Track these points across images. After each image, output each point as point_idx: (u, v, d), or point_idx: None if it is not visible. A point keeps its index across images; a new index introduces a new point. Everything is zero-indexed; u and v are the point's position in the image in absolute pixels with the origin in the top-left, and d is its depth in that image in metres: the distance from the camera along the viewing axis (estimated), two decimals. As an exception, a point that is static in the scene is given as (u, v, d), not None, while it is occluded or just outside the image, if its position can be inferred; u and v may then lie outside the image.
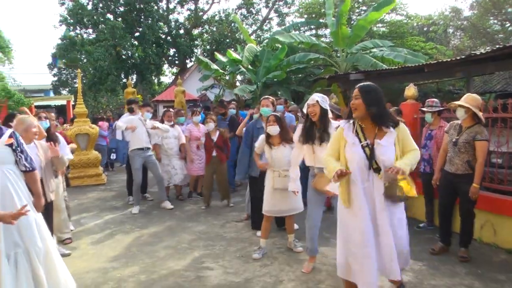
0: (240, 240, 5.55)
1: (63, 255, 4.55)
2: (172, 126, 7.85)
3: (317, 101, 4.10)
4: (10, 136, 3.37)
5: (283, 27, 19.68)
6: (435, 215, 5.57)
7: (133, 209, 7.30)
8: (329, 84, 13.44)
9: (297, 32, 16.93)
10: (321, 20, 18.71)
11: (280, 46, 14.94)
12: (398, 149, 3.22)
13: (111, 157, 7.19)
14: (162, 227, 6.31)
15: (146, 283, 4.30)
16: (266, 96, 5.81)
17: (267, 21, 32.00)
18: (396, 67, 10.42)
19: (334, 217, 3.72)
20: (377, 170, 3.19)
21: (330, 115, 4.18)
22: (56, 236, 5.36)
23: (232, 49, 17.25)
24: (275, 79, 14.33)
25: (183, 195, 8.22)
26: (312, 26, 20.74)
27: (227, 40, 28.83)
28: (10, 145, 3.34)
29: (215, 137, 7.33)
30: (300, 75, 16.65)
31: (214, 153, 7.28)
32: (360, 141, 3.25)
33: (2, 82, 26.51)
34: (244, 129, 6.66)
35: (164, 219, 6.76)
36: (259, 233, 5.61)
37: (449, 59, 9.15)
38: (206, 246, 5.35)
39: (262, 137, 5.05)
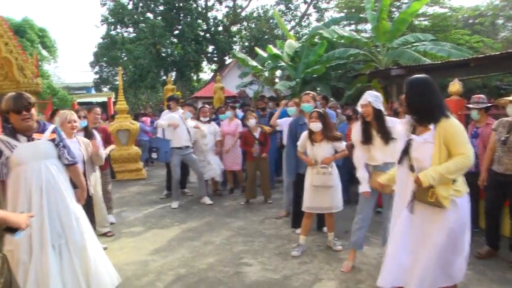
0: (279, 237, 5.51)
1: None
2: (208, 122, 7.90)
3: (369, 102, 4.00)
4: (53, 132, 3.47)
5: (322, 22, 19.48)
6: (481, 217, 5.33)
7: (172, 204, 7.39)
8: (370, 80, 13.18)
9: (337, 27, 16.69)
10: (361, 15, 18.37)
11: (319, 41, 14.77)
12: (438, 148, 2.94)
13: (152, 156, 7.25)
14: (201, 222, 6.36)
15: (185, 277, 4.33)
16: (307, 92, 5.68)
17: (305, 16, 31.77)
18: (440, 62, 10.10)
19: (377, 218, 3.61)
20: (412, 168, 3.06)
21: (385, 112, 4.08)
22: (97, 230, 5.51)
23: (272, 45, 17.18)
24: (314, 75, 14.19)
25: (220, 190, 8.28)
26: (352, 21, 20.40)
27: (266, 37, 28.78)
28: (53, 140, 3.43)
29: (256, 134, 7.33)
30: (339, 71, 16.43)
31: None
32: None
33: (48, 80, 27.50)
34: (282, 123, 6.62)
35: (203, 215, 6.81)
36: (298, 230, 5.57)
37: (498, 53, 8.76)
38: (245, 242, 5.35)
39: (304, 134, 4.98)
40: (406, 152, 3.10)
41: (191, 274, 4.39)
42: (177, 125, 7.24)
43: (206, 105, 8.67)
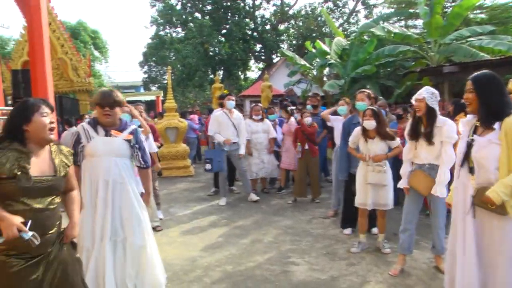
0: (326, 237, 5.46)
1: None
2: (261, 120, 7.93)
3: (424, 97, 3.87)
4: (131, 133, 3.56)
5: (371, 19, 19.07)
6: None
7: (220, 201, 7.48)
8: (420, 78, 12.78)
9: (386, 23, 16.29)
10: (411, 10, 17.80)
11: (368, 39, 14.49)
12: (506, 150, 2.71)
13: (206, 167, 7.36)
14: (248, 220, 6.40)
15: (232, 274, 4.37)
16: (362, 90, 5.57)
17: (354, 13, 31.28)
18: (498, 57, 9.63)
19: (427, 221, 3.48)
20: (472, 170, 2.90)
21: (438, 112, 3.95)
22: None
23: (321, 42, 17.02)
24: (363, 74, 13.93)
25: (268, 188, 8.30)
26: (402, 17, 19.79)
27: (314, 35, 28.57)
28: (129, 141, 3.53)
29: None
30: (388, 69, 16.03)
31: (306, 147, 7.27)
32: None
33: (99, 79, 28.59)
34: (334, 121, 6.54)
35: (250, 212, 6.85)
36: (346, 231, 5.53)
37: None
38: (292, 241, 5.34)
39: (356, 130, 4.91)
40: (467, 153, 2.95)
41: (238, 272, 4.42)
42: (230, 141, 7.26)
43: (259, 104, 8.72)
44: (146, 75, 34.28)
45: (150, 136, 6.02)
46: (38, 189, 2.29)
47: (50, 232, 2.40)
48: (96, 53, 32.85)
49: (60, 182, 2.45)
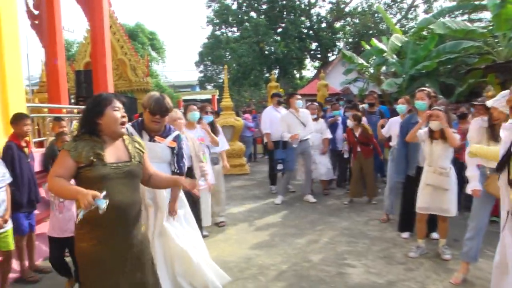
0: (383, 240, 5.34)
1: (203, 236, 4.84)
2: (316, 119, 7.87)
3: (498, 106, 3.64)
4: (174, 140, 3.64)
5: (430, 14, 18.36)
6: None
7: (276, 199, 7.50)
8: (484, 75, 12.13)
9: (447, 18, 15.59)
10: (476, 2, 16.91)
11: (428, 35, 13.96)
12: None
13: (278, 167, 7.40)
14: (304, 220, 6.38)
15: (287, 273, 4.38)
16: (421, 88, 5.35)
17: (412, 8, 30.31)
18: None
19: (493, 228, 3.31)
20: None
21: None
22: (212, 219, 5.89)
23: (376, 40, 16.62)
24: (423, 71, 13.46)
25: (328, 189, 8.21)
26: (465, 10, 18.84)
27: (370, 32, 28.00)
28: (172, 148, 3.61)
29: (357, 133, 7.21)
30: (449, 66, 15.36)
31: (358, 149, 7.21)
32: None
33: (156, 79, 29.47)
34: (390, 124, 6.38)
35: (306, 212, 6.83)
36: (404, 234, 5.37)
37: None
38: (348, 243, 5.27)
39: (423, 131, 4.72)
40: (507, 161, 2.77)
41: (293, 271, 4.42)
42: (297, 137, 7.21)
43: (315, 103, 8.66)
44: (201, 74, 34.92)
45: (222, 134, 6.24)
46: (116, 175, 2.39)
47: (133, 225, 2.52)
48: (154, 53, 33.88)
49: (137, 168, 2.55)
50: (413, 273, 4.31)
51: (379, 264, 4.55)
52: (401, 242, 5.18)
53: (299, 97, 7.59)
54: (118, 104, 2.49)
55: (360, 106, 8.93)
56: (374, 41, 15.36)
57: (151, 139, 3.52)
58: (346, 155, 8.03)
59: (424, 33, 14.48)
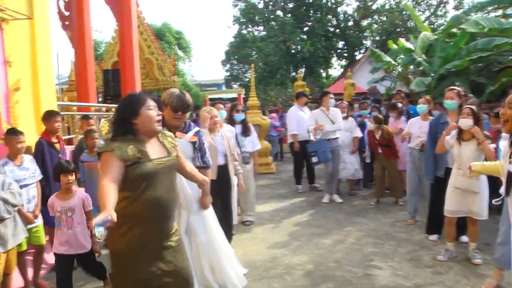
0: (410, 242, 5.25)
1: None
2: (346, 118, 7.80)
3: None
4: (195, 135, 3.65)
5: (461, 10, 17.90)
6: None
7: (324, 198, 7.44)
8: (519, 73, 11.80)
9: (479, 14, 15.13)
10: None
11: (458, 32, 13.64)
12: None
13: (312, 160, 7.34)
14: (330, 220, 6.35)
15: (314, 273, 4.36)
16: (451, 87, 5.20)
17: (442, 5, 29.68)
18: None
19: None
20: None
21: None
22: (240, 217, 5.96)
23: (403, 39, 16.35)
24: (453, 70, 13.15)
25: (355, 190, 8.14)
26: (500, 5, 18.21)
27: (398, 30, 27.59)
28: (193, 143, 3.63)
29: (378, 135, 7.14)
30: (480, 64, 14.95)
31: (379, 150, 7.14)
32: None
33: (182, 78, 29.74)
34: (410, 124, 6.26)
35: (332, 212, 6.79)
36: (432, 237, 5.27)
37: None
38: (374, 244, 5.21)
39: (451, 136, 4.63)
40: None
41: (319, 271, 4.41)
42: (322, 127, 7.19)
43: (344, 101, 8.60)
44: (228, 73, 35.07)
45: (254, 133, 6.26)
46: (160, 171, 2.43)
47: (172, 220, 2.56)
48: (180, 52, 34.16)
49: (176, 161, 2.61)
50: (442, 277, 4.22)
51: (406, 267, 4.48)
52: (428, 245, 5.08)
53: (332, 96, 7.51)
54: (152, 102, 2.51)
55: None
56: (401, 41, 15.12)
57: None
58: (368, 160, 7.95)
59: (454, 30, 14.14)
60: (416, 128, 5.92)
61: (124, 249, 2.38)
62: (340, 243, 5.28)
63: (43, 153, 4.52)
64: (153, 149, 2.48)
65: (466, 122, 4.37)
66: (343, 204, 7.28)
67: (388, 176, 7.25)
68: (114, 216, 1.97)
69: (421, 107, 5.98)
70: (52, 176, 3.91)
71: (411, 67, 16.14)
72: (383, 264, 4.56)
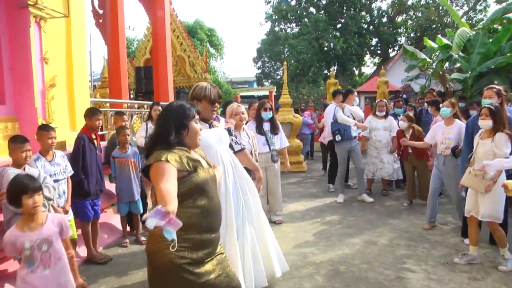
0: (445, 245, 5.11)
1: None
2: (384, 117, 7.70)
3: None
4: (226, 122, 3.79)
5: (504, 3, 17.23)
6: None
7: (338, 198, 7.43)
8: None
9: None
10: None
11: (500, 28, 13.16)
12: None
13: (336, 138, 7.27)
14: (362, 220, 6.27)
15: (345, 274, 4.31)
16: (490, 86, 5.00)
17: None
18: None
19: None
20: None
21: None
22: (269, 216, 5.91)
23: (440, 35, 15.92)
24: (491, 67, 12.70)
25: (387, 190, 8.00)
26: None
27: (434, 26, 26.94)
28: (228, 129, 3.71)
29: (408, 134, 6.99)
30: (523, 60, 14.39)
31: (410, 150, 7.01)
32: None
33: (214, 75, 29.96)
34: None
35: (364, 212, 6.70)
36: (467, 240, 5.07)
37: None
38: (408, 246, 5.10)
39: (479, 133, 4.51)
40: None
41: (351, 272, 4.35)
42: (366, 128, 7.24)
43: (384, 99, 8.49)
44: (259, 71, 35.12)
45: (282, 131, 6.29)
46: (211, 179, 2.45)
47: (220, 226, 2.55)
48: (212, 50, 34.42)
49: (214, 173, 2.59)
50: (479, 283, 4.06)
51: (441, 271, 4.36)
52: (464, 248, 4.90)
53: (356, 94, 7.54)
54: (197, 116, 2.52)
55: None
56: (440, 38, 14.70)
57: (211, 126, 3.54)
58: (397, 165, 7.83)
59: (495, 26, 13.65)
60: (440, 135, 5.71)
61: (176, 261, 2.24)
62: (372, 244, 5.20)
63: (84, 148, 4.67)
64: (200, 160, 2.48)
65: (485, 124, 4.30)
66: (375, 204, 7.17)
67: (418, 177, 7.13)
68: (168, 207, 1.82)
69: (444, 110, 5.66)
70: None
71: (447, 64, 15.74)
72: (417, 267, 4.45)
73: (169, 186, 2.07)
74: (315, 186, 8.89)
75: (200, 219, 2.31)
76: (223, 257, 2.51)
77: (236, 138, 3.85)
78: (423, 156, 6.95)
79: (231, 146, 3.75)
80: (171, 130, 2.36)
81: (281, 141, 6.24)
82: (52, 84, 5.10)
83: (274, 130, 6.08)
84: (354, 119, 7.21)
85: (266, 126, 6.05)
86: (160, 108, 6.53)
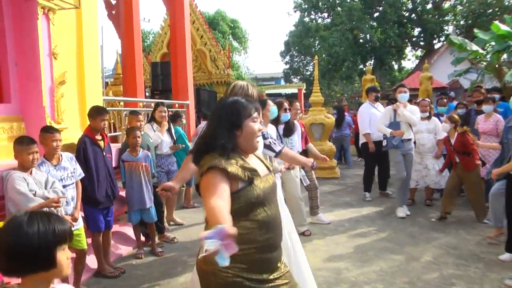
0: (504, 266, 4.90)
1: None
2: (429, 118, 7.56)
3: None
4: None
5: None
6: None
7: (398, 211, 7.11)
8: None
9: None
10: None
11: None
12: None
13: (389, 143, 7.30)
14: (403, 233, 6.17)
15: (384, 294, 4.25)
16: None
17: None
18: None
19: None
20: None
21: None
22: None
23: (497, 21, 15.48)
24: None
25: (432, 200, 7.83)
26: None
27: (490, 11, 26.27)
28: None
29: (453, 139, 6.74)
30: None
31: (457, 159, 6.74)
32: None
33: (237, 71, 30.09)
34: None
35: (405, 224, 6.60)
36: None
37: None
38: (457, 265, 4.96)
39: None
40: None
41: (391, 292, 4.29)
42: (402, 133, 7.00)
43: (427, 98, 8.35)
44: (287, 66, 35.12)
45: (298, 132, 6.28)
46: (270, 190, 2.33)
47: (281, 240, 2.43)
48: (235, 43, 34.58)
49: (275, 179, 2.48)
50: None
51: (499, 296, 4.24)
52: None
53: (405, 89, 7.24)
54: (256, 113, 2.37)
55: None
56: (497, 24, 14.37)
57: None
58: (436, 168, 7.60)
59: None
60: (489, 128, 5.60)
61: (237, 281, 2.15)
62: (414, 261, 5.10)
63: (85, 152, 4.66)
64: (257, 167, 2.34)
65: None
66: (418, 216, 7.04)
67: (467, 192, 6.91)
68: (231, 229, 1.71)
69: (488, 108, 5.71)
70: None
71: (505, 56, 15.33)
72: (469, 290, 4.34)
73: (221, 203, 1.98)
74: (349, 195, 8.82)
75: (257, 235, 2.19)
76: (289, 275, 2.38)
77: (271, 138, 3.81)
78: (473, 167, 6.58)
79: (270, 148, 3.75)
80: (222, 133, 2.24)
81: (299, 142, 6.30)
82: (61, 81, 5.17)
83: (289, 132, 6.09)
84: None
85: (281, 129, 6.05)
86: (165, 109, 6.61)
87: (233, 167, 2.16)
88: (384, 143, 7.15)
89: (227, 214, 1.92)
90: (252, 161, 2.36)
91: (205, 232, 1.69)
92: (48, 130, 4.13)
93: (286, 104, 6.10)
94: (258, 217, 2.20)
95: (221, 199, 2.01)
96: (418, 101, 7.95)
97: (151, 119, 6.66)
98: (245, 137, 2.29)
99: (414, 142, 7.46)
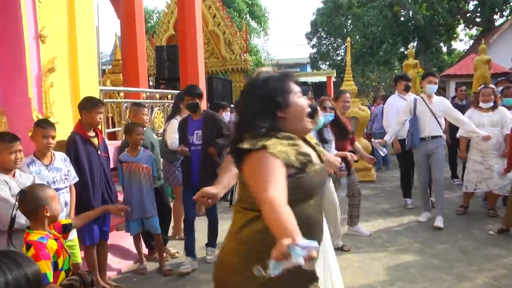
0: None
1: None
2: (494, 108, 7.27)
3: None
4: None
5: None
6: None
7: (420, 217, 7.27)
8: None
9: None
10: None
11: None
12: None
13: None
14: (452, 248, 6.08)
15: (429, 320, 4.20)
16: None
17: None
18: None
19: None
20: None
21: None
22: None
23: None
24: None
25: (495, 210, 7.57)
26: None
27: None
28: None
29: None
30: None
31: None
32: None
33: (256, 56, 30.12)
34: None
35: (455, 237, 6.50)
36: None
37: None
38: (523, 288, 4.89)
39: None
40: None
41: (438, 318, 4.24)
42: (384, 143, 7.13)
43: (491, 85, 8.14)
44: (314, 50, 35.05)
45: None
46: (323, 180, 2.29)
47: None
48: (254, 23, 34.59)
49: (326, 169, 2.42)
50: None
51: None
52: None
53: (435, 80, 7.15)
54: (297, 87, 2.27)
55: None
56: None
57: None
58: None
59: None
60: None
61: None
62: (468, 281, 5.02)
63: (76, 152, 4.62)
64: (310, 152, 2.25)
65: None
66: (471, 227, 6.92)
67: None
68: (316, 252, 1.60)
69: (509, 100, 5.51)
70: None
71: None
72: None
73: (279, 198, 1.85)
74: (387, 201, 8.80)
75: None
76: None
77: None
78: None
79: None
80: (264, 118, 2.14)
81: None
82: (50, 68, 5.18)
83: (340, 136, 6.10)
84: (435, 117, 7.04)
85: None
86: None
87: (283, 149, 2.06)
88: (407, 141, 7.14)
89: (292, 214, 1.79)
90: (305, 146, 2.26)
91: (298, 238, 1.59)
92: (40, 124, 4.14)
93: (328, 103, 6.02)
94: (302, 213, 2.09)
95: (280, 191, 1.89)
96: (479, 89, 7.71)
97: (175, 112, 6.56)
98: (294, 116, 2.20)
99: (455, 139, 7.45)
